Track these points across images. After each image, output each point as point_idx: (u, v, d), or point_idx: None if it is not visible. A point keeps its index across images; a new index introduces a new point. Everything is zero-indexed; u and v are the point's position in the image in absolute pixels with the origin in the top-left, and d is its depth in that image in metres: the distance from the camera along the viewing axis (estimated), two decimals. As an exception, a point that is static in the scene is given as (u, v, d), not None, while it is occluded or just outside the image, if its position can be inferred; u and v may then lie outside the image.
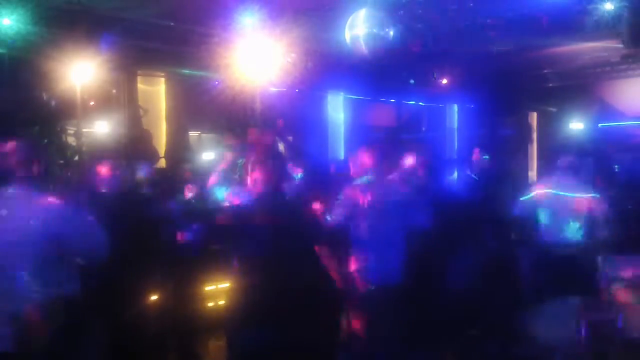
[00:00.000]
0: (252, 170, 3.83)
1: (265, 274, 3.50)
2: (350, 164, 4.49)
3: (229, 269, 3.91)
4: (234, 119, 7.67)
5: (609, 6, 6.36)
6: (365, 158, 4.39)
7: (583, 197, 5.13)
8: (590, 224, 5.11)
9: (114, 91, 7.72)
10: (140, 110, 7.85)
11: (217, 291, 5.86)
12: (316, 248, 4.06)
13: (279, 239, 3.53)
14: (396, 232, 4.30)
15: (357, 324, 4.77)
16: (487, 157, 6.44)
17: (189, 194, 5.40)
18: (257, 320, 3.51)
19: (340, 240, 4.27)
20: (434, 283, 4.92)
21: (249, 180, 3.90)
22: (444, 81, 10.25)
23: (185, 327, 5.32)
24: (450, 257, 5.06)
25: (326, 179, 5.26)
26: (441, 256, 5.08)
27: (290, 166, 5.24)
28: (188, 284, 5.40)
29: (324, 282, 4.16)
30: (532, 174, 11.72)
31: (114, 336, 4.14)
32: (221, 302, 5.55)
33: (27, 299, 2.87)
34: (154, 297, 5.06)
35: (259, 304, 3.48)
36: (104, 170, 4.49)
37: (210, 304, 5.93)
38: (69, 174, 6.34)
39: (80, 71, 6.50)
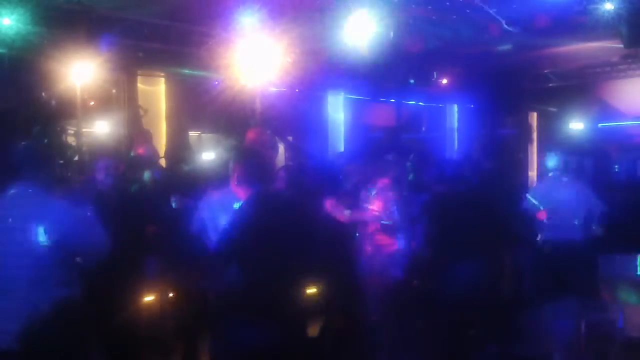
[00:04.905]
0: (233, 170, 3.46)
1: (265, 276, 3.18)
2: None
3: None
4: (234, 119, 7.66)
5: (609, 6, 6.35)
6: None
7: (581, 196, 5.14)
8: (588, 223, 5.12)
9: (114, 91, 7.71)
10: (140, 110, 7.85)
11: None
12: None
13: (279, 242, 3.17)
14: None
15: (356, 325, 4.78)
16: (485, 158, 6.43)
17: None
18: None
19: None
20: (434, 283, 4.92)
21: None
22: (444, 81, 10.25)
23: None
24: (451, 258, 5.06)
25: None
26: (442, 256, 5.08)
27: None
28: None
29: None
30: (532, 174, 11.71)
31: (113, 336, 4.14)
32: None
33: (29, 299, 2.87)
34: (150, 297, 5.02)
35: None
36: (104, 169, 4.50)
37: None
38: (68, 174, 6.33)
39: (80, 71, 6.50)
